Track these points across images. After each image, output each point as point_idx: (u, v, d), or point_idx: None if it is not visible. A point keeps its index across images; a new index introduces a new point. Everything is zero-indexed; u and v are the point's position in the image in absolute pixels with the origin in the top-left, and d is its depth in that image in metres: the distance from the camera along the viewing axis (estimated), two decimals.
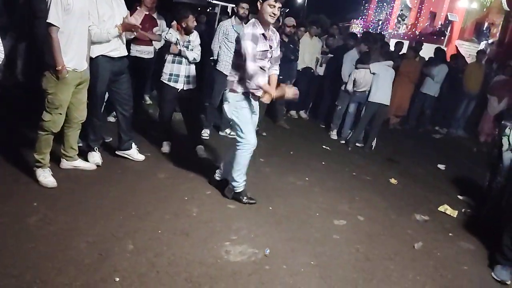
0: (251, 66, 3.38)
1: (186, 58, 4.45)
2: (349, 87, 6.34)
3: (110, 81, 3.88)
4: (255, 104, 3.68)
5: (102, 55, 3.74)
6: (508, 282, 3.26)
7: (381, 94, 6.05)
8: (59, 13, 3.18)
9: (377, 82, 6.05)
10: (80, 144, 3.96)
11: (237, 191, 3.71)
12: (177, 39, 4.43)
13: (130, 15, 3.91)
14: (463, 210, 4.55)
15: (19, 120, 4.50)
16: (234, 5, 5.45)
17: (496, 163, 4.30)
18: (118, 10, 3.77)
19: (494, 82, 8.16)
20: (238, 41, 3.51)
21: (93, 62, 3.71)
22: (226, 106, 3.63)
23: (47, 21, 3.17)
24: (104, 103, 4.28)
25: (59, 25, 3.19)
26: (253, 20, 3.51)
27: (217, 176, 3.96)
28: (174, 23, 4.53)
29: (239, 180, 3.67)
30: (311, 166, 5.15)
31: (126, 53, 3.99)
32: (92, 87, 3.74)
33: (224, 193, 3.78)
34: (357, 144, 6.40)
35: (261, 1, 3.37)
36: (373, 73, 6.07)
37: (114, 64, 3.84)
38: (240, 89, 3.53)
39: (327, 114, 7.22)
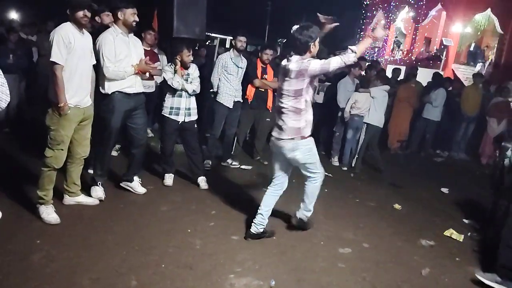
0: (335, 60, 3.21)
1: (186, 91, 4.53)
2: (347, 109, 6.42)
3: (126, 116, 3.95)
4: None
5: (118, 91, 3.83)
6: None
7: (378, 117, 6.35)
8: (62, 51, 3.27)
9: (375, 106, 6.29)
10: (90, 171, 4.05)
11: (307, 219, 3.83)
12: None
13: None
14: (469, 234, 4.49)
15: (21, 157, 4.53)
16: (232, 38, 5.55)
17: (499, 185, 4.28)
18: (134, 50, 3.92)
19: (492, 104, 8.22)
20: (294, 79, 3.30)
21: (109, 97, 3.81)
22: (299, 155, 3.45)
23: (50, 59, 3.26)
24: None
25: (62, 63, 3.28)
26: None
27: (259, 228, 3.67)
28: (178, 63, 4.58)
29: (312, 209, 3.79)
30: None
31: (142, 90, 4.07)
32: (107, 121, 3.84)
33: (303, 228, 3.88)
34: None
35: (312, 44, 3.28)
36: (373, 97, 6.27)
37: (130, 100, 3.92)
38: (307, 132, 3.45)
39: (327, 141, 7.25)
